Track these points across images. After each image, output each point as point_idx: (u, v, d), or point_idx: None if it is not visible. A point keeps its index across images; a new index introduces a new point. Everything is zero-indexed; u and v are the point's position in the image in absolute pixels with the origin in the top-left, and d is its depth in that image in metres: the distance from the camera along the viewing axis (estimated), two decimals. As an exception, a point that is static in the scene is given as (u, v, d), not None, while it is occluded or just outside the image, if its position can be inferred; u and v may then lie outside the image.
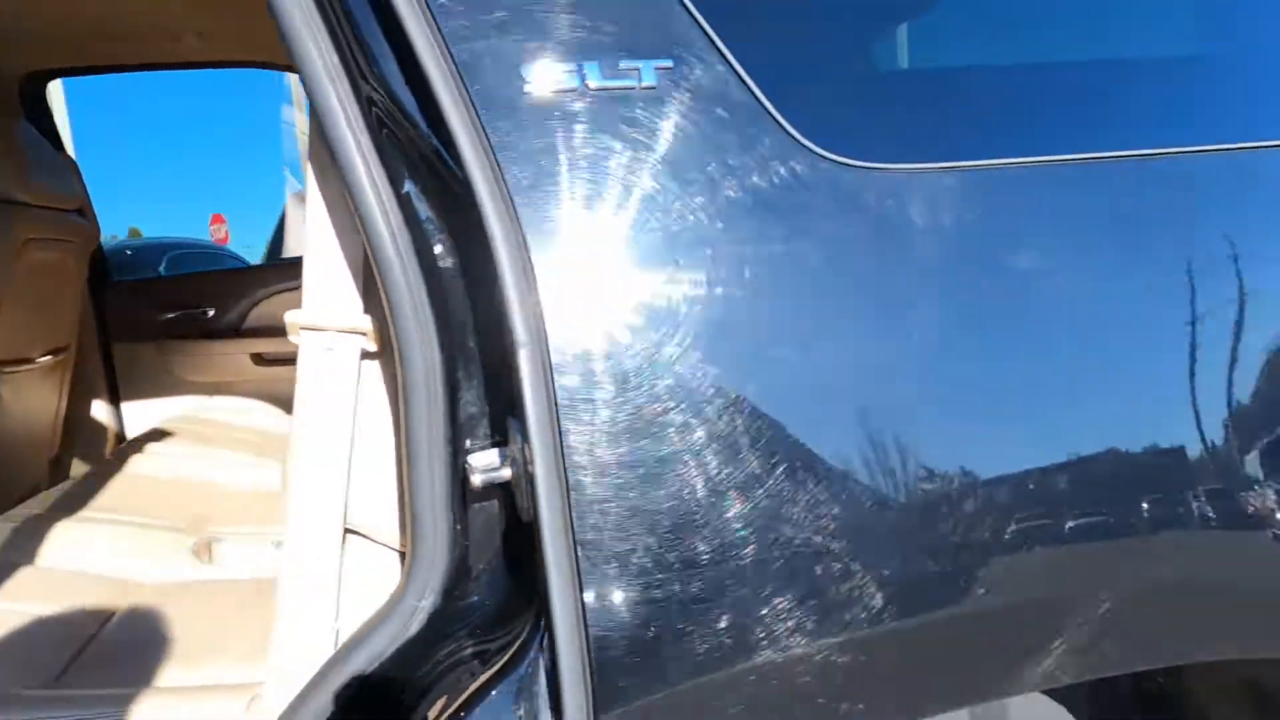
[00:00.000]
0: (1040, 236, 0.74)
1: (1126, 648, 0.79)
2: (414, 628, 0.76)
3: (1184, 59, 0.93)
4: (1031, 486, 0.72)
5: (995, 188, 0.74)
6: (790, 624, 0.66)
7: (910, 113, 0.76)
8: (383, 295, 0.72)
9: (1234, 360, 0.79)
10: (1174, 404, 0.78)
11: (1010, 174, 0.75)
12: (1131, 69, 0.89)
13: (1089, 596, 0.76)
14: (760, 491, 0.66)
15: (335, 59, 0.72)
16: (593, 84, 0.66)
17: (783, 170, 0.69)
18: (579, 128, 0.66)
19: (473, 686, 0.69)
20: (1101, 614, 0.76)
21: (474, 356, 0.74)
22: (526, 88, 0.65)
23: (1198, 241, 0.81)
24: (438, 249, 0.74)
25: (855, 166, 0.70)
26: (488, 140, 0.64)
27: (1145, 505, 0.74)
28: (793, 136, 0.70)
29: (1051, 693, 1.07)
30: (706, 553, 0.65)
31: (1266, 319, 0.79)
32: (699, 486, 0.65)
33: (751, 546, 0.65)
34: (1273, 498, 0.77)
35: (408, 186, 0.73)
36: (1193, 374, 0.78)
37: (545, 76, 0.65)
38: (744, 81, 0.69)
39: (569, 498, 0.63)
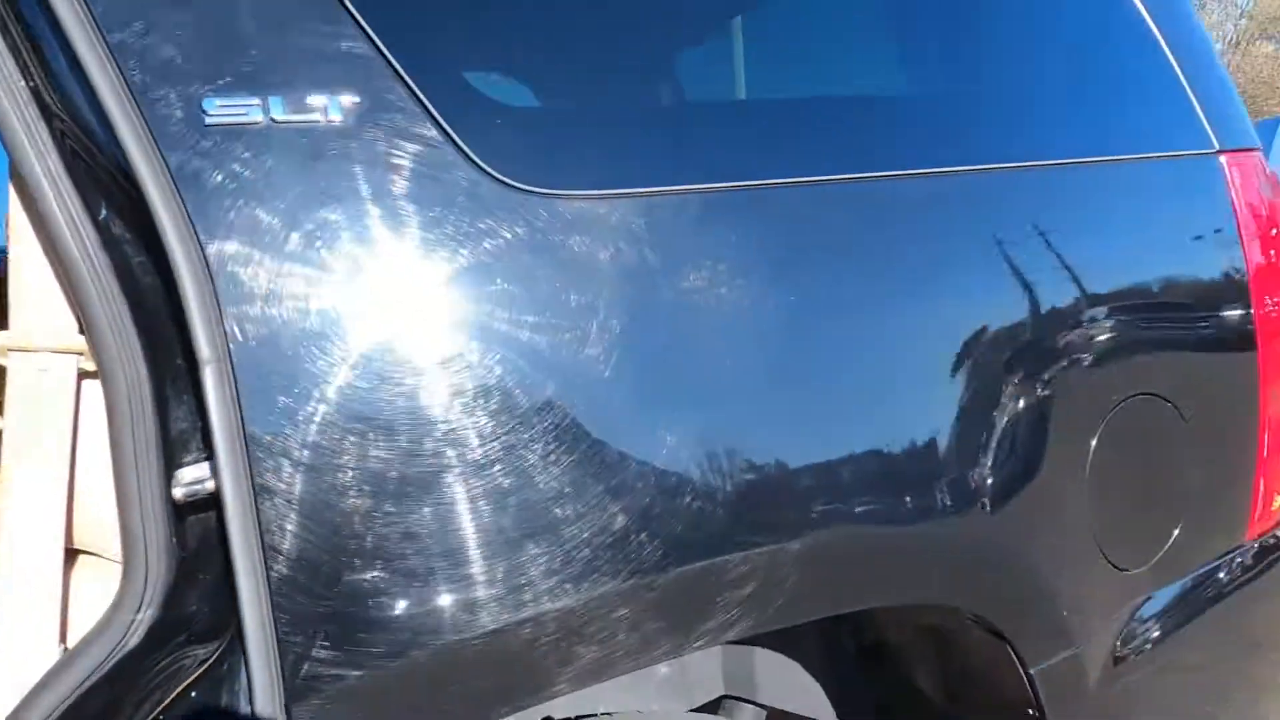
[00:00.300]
0: (704, 254, 0.85)
1: (808, 598, 0.92)
2: (132, 641, 0.77)
3: (856, 98, 1.09)
4: (718, 463, 0.83)
5: (668, 212, 0.85)
6: (480, 598, 0.74)
7: (592, 144, 0.86)
8: (83, 317, 0.74)
9: (881, 353, 0.94)
10: (830, 394, 0.92)
11: (681, 199, 0.85)
12: (808, 106, 1.03)
13: (773, 554, 0.87)
14: (447, 484, 0.73)
15: (20, 84, 0.73)
16: (278, 116, 0.71)
17: (468, 198, 0.76)
18: (262, 159, 0.70)
19: (179, 689, 0.72)
20: (784, 568, 0.88)
21: (182, 374, 0.77)
22: (209, 120, 0.69)
23: (850, 261, 0.95)
24: (139, 271, 0.76)
25: (538, 193, 0.79)
26: (168, 169, 0.68)
27: (805, 482, 0.87)
28: (479, 166, 0.77)
29: (788, 649, 1.21)
30: (388, 546, 0.71)
31: (899, 323, 0.94)
32: (385, 484, 0.71)
33: (435, 537, 0.72)
34: (913, 471, 0.93)
35: (104, 212, 0.75)
36: (850, 369, 0.92)
37: (227, 109, 0.69)
38: (431, 114, 0.76)
39: (256, 501, 0.68)
